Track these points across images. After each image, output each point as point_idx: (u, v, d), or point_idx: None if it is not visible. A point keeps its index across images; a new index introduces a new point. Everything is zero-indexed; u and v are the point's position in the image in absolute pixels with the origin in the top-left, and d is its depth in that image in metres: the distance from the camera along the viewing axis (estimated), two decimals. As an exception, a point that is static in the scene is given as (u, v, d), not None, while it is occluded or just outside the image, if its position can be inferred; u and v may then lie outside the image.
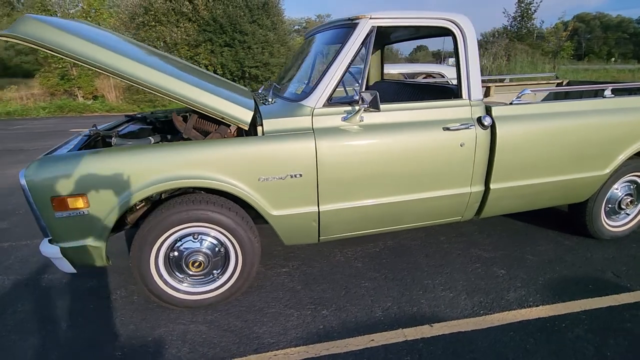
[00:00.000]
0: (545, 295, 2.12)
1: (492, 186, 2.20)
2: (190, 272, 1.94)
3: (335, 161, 1.88)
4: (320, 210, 1.95)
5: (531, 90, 2.24)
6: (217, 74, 12.34)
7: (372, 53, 3.29)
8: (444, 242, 2.75)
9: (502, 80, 4.13)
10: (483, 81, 4.90)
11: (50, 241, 1.71)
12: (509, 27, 23.03)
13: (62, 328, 1.90)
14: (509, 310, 1.99)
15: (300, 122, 1.87)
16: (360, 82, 1.92)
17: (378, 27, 1.93)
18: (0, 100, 12.30)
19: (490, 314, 1.97)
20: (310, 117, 1.88)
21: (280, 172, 1.83)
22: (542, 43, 22.46)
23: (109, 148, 1.73)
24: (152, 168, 1.66)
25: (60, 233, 1.68)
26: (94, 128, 2.15)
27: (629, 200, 2.63)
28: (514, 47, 20.11)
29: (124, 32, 11.83)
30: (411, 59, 31.94)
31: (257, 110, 1.98)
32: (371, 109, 1.81)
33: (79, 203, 1.62)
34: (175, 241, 1.90)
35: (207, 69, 11.17)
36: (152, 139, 2.10)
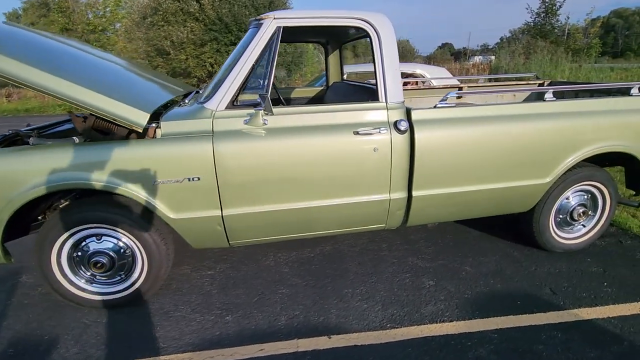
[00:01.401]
0: (465, 310, 2.00)
1: (414, 193, 2.10)
2: (95, 273, 1.96)
3: (235, 165, 1.84)
4: (223, 214, 1.91)
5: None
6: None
7: (331, 53, 3.22)
8: (384, 249, 2.65)
9: (476, 81, 3.95)
10: (463, 81, 4.74)
11: None
12: (531, 24, 22.14)
13: (-27, 322, 1.96)
14: (419, 325, 1.89)
15: (199, 125, 1.84)
16: (264, 84, 1.87)
17: (285, 27, 1.88)
18: (25, 96, 12.96)
19: (397, 327, 1.88)
20: (211, 119, 1.84)
21: (177, 175, 1.80)
22: (567, 40, 21.44)
23: (2, 149, 1.75)
24: (39, 169, 1.68)
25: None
26: (27, 126, 2.20)
27: (581, 210, 2.45)
28: (535, 45, 19.30)
29: (136, 32, 12.18)
30: (430, 57, 31.20)
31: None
32: (267, 113, 1.76)
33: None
34: (80, 241, 1.92)
35: (212, 68, 11.34)
36: (76, 139, 2.12)
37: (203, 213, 1.90)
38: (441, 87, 4.19)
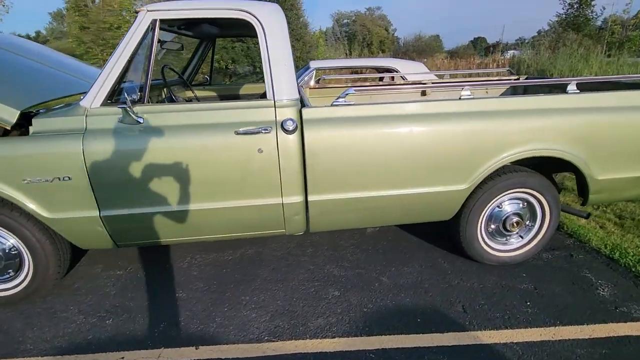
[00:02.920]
0: (355, 325, 1.84)
1: (309, 198, 1.95)
2: (-18, 270, 1.96)
3: (107, 165, 1.77)
4: (102, 215, 1.85)
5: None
6: (229, 69, 12.62)
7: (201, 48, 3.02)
8: (307, 254, 2.52)
9: (441, 77, 3.69)
10: (442, 77, 4.45)
11: None
12: (563, 15, 20.84)
13: None
14: (297, 340, 1.76)
15: (71, 123, 1.78)
16: (145, 79, 1.78)
17: (163, 19, 1.78)
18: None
19: (273, 341, 1.75)
20: (84, 117, 1.78)
21: (47, 174, 1.75)
22: (603, 32, 20.00)
23: None
24: None
25: None
26: None
27: (515, 220, 2.20)
28: (566, 38, 18.11)
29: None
30: (450, 52, 30.05)
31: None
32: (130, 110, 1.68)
33: None
34: (-31, 238, 1.92)
35: (218, 64, 11.44)
36: None
37: (79, 213, 1.84)
38: (409, 83, 3.96)
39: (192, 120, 1.82)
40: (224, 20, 1.91)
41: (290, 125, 1.82)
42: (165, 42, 2.44)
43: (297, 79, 4.40)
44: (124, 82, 1.84)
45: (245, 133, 1.80)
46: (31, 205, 1.80)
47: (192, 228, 1.97)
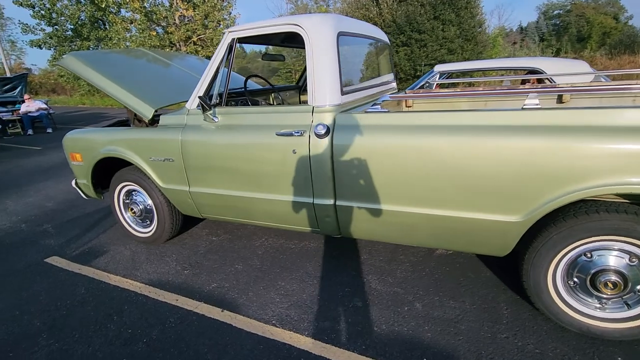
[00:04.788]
0: (355, 340, 1.78)
1: (337, 202, 1.99)
2: (130, 216, 2.89)
3: (192, 152, 2.32)
4: (190, 190, 2.44)
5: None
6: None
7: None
8: (359, 260, 2.51)
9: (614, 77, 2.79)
10: (615, 77, 3.33)
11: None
12: None
13: None
14: (294, 332, 1.86)
15: (179, 120, 2.41)
16: (224, 87, 2.24)
17: (240, 38, 2.17)
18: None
19: (276, 327, 1.91)
20: (185, 116, 2.38)
21: (161, 155, 2.45)
22: None
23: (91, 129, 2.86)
24: (98, 141, 2.69)
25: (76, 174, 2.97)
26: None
27: (608, 279, 1.58)
28: None
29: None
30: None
31: None
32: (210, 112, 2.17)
33: (78, 157, 2.85)
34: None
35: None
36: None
37: (178, 187, 2.48)
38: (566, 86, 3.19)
39: (247, 121, 2.16)
40: (284, 34, 2.14)
41: (321, 130, 1.91)
42: (267, 54, 2.88)
43: (420, 82, 4.23)
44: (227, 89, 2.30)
45: (282, 135, 2.01)
46: (154, 176, 2.54)
47: (242, 212, 2.33)
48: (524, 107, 1.58)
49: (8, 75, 13.63)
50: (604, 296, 1.64)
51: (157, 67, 3.12)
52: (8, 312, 2.16)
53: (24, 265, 2.71)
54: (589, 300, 1.69)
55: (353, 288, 2.21)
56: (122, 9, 18.54)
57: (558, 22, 31.36)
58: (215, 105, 2.24)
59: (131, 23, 17.25)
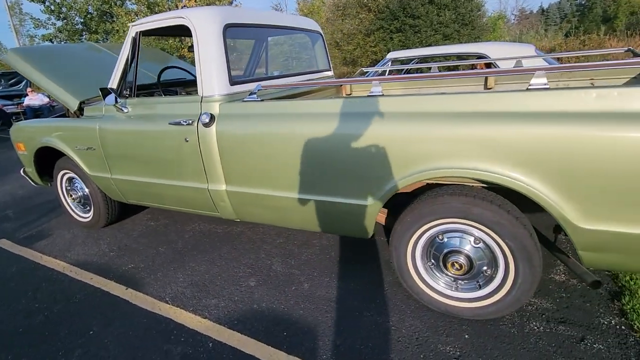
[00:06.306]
0: (231, 316, 1.90)
1: (227, 188, 2.09)
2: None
3: (107, 140, 2.45)
4: (112, 177, 2.59)
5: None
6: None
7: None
8: (274, 244, 2.62)
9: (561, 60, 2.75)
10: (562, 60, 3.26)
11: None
12: None
13: None
14: (179, 308, 1.99)
15: (99, 111, 2.54)
16: (131, 80, 2.35)
17: (142, 31, 2.27)
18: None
19: (166, 303, 2.05)
20: (103, 106, 2.51)
21: (84, 144, 2.60)
22: None
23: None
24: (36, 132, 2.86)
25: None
26: None
27: (456, 260, 1.64)
28: None
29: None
30: None
31: None
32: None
33: (22, 147, 3.03)
34: (70, 180, 3.06)
35: (376, 56, 11.68)
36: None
37: (102, 174, 2.63)
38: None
39: (148, 111, 2.27)
40: (177, 26, 2.21)
41: (205, 119, 2.00)
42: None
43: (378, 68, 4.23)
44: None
45: (174, 124, 2.11)
46: (82, 164, 2.70)
47: (156, 197, 2.46)
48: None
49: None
50: (456, 276, 1.70)
51: (98, 61, 3.26)
52: (-57, 288, 2.39)
53: (-26, 247, 2.95)
54: (445, 280, 1.75)
55: (255, 269, 2.32)
56: (127, 1, 18.90)
57: (583, 2, 29.88)
58: (125, 97, 2.35)
59: (136, 15, 17.54)
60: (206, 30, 2.01)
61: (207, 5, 17.14)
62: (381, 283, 2.08)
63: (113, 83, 2.39)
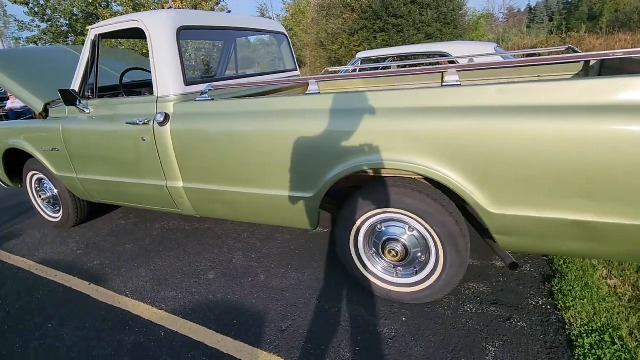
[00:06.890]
0: (186, 307, 1.98)
1: (184, 185, 2.17)
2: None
3: (70, 141, 2.51)
4: (77, 177, 2.65)
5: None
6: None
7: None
8: (239, 239, 2.70)
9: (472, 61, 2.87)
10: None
11: None
12: None
13: None
14: (137, 301, 2.07)
15: (63, 112, 2.59)
16: (92, 81, 2.41)
17: (101, 34, 2.34)
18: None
19: (125, 296, 2.13)
20: (67, 107, 2.57)
21: (49, 145, 2.65)
22: None
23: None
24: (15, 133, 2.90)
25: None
26: None
27: (393, 247, 1.74)
28: None
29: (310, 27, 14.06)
30: None
31: None
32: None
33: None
34: (40, 181, 3.11)
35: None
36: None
37: (68, 174, 2.69)
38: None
39: (107, 112, 2.34)
40: (134, 29, 2.28)
41: (160, 118, 2.08)
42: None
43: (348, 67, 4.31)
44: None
45: (130, 124, 2.18)
46: (48, 165, 2.75)
47: (120, 196, 2.53)
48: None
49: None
50: (394, 263, 1.80)
51: (68, 64, 3.30)
52: None
53: (-56, 248, 2.98)
54: (385, 267, 1.85)
55: (216, 263, 2.40)
56: (112, 3, 18.80)
57: (570, 0, 30.34)
58: (87, 98, 2.42)
59: (121, 17, 17.48)
60: (160, 34, 2.08)
61: (193, 7, 17.15)
62: (333, 274, 2.17)
63: (75, 85, 2.45)
